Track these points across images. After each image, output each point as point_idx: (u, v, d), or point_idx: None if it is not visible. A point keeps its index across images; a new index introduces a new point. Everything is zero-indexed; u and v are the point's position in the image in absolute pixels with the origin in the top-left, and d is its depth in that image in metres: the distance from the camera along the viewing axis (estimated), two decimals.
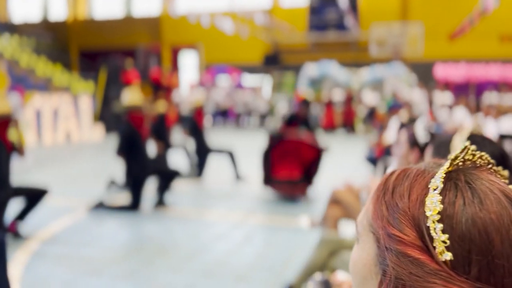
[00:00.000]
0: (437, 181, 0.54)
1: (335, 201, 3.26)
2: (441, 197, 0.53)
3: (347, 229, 3.17)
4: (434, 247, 0.51)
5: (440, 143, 1.27)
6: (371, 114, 15.50)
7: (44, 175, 7.47)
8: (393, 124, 6.36)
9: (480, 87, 17.39)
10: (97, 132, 14.44)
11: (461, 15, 18.32)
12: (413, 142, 2.21)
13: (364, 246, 0.61)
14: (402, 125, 3.04)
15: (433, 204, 0.53)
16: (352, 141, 13.71)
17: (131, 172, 4.95)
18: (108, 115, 14.89)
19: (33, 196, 4.03)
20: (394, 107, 6.61)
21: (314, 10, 21.07)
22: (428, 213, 0.53)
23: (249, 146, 11.50)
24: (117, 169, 7.95)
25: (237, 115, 17.66)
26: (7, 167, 3.84)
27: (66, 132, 13.53)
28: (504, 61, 18.10)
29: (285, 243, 4.07)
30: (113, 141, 13.52)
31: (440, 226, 0.51)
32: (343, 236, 2.44)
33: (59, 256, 3.73)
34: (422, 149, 2.19)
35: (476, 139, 1.16)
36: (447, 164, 0.56)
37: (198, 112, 7.00)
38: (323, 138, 6.06)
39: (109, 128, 14.90)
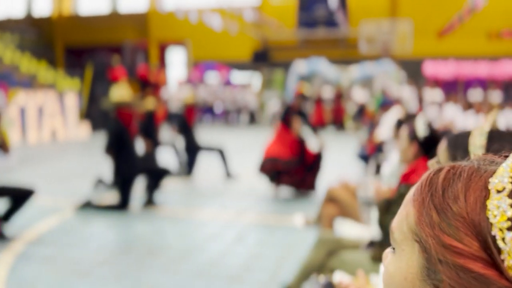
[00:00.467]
0: (504, 181, 0.45)
1: (330, 199, 3.19)
2: (510, 200, 0.43)
3: (343, 227, 3.09)
4: (503, 260, 0.42)
5: (456, 139, 1.18)
6: (361, 111, 15.52)
7: (30, 174, 7.28)
8: (385, 121, 6.31)
9: (468, 84, 17.54)
10: (83, 130, 14.21)
11: (450, 12, 18.42)
12: (413, 137, 2.16)
13: (404, 257, 0.51)
14: (400, 122, 2.97)
15: (499, 208, 0.44)
16: (342, 139, 13.70)
17: (120, 171, 4.81)
18: (94, 112, 14.66)
19: (19, 197, 3.87)
20: (385, 104, 6.56)
21: (303, 7, 21.01)
22: (492, 220, 0.44)
23: (239, 144, 11.41)
24: (104, 167, 7.79)
25: (226, 112, 17.54)
26: None
27: (52, 130, 13.29)
28: (491, 58, 18.27)
29: (279, 242, 3.99)
30: (100, 139, 13.32)
31: (510, 235, 0.42)
32: (341, 236, 2.36)
33: (45, 258, 3.59)
34: (422, 144, 2.13)
35: (498, 133, 1.08)
36: None
37: (188, 109, 6.87)
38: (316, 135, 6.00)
39: (95, 126, 14.68)
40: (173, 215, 4.88)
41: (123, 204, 4.87)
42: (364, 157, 6.65)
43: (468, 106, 7.21)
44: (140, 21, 24.29)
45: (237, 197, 5.74)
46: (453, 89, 16.74)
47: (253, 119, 17.64)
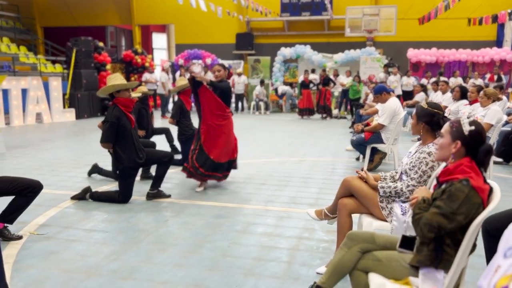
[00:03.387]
0: None
1: (347, 189, 3.15)
2: None
3: (363, 221, 3.07)
4: None
5: None
6: (345, 96, 15.56)
7: (19, 162, 7.06)
8: (386, 109, 6.30)
9: (449, 68, 17.78)
10: (68, 114, 13.87)
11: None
12: (457, 136, 2.08)
13: None
14: (432, 115, 2.89)
15: None
16: (329, 123, 13.71)
17: (121, 162, 4.66)
18: (79, 97, 14.28)
19: (28, 193, 3.68)
20: (380, 90, 6.52)
21: None
22: None
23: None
24: (95, 155, 7.62)
25: None
26: None
27: (37, 115, 12.96)
28: (471, 43, 18.52)
29: (289, 233, 3.95)
30: (85, 124, 12.98)
31: None
32: (373, 233, 2.32)
33: (50, 253, 3.47)
34: (466, 143, 2.05)
35: None
36: None
37: (186, 93, 6.72)
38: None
39: (80, 111, 14.34)
40: (175, 206, 4.79)
41: (125, 198, 4.74)
42: (359, 144, 6.65)
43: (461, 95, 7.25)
44: (123, 4, 23.62)
45: (238, 185, 5.68)
46: (434, 72, 16.94)
47: (239, 104, 17.49)
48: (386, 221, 2.98)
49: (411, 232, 2.65)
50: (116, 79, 4.57)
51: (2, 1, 21.87)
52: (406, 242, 2.21)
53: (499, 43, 19.53)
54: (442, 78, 12.93)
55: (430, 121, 2.90)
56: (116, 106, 4.60)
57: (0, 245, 2.44)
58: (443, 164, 2.84)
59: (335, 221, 3.47)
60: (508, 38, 19.20)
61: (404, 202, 2.92)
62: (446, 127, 2.16)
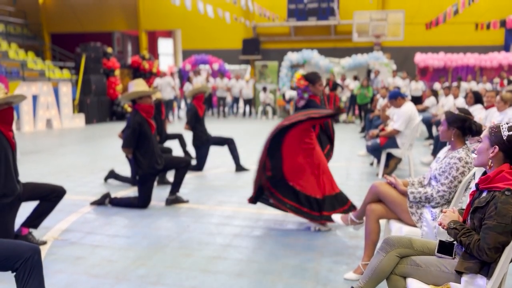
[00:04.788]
0: None
1: (375, 194, 3.15)
2: None
3: (392, 225, 3.07)
4: None
5: None
6: (353, 101, 15.55)
7: (34, 167, 7.09)
8: (401, 114, 6.30)
9: (457, 73, 17.79)
10: (78, 120, 13.93)
11: (440, 4, 18.53)
12: (496, 142, 2.07)
13: None
14: (459, 119, 2.90)
15: None
16: (338, 128, 13.70)
17: (141, 167, 4.68)
18: (88, 103, 14.36)
19: (52, 198, 3.70)
20: (394, 96, 6.53)
21: None
22: None
23: (238, 135, 11.31)
24: (109, 160, 7.64)
25: (220, 103, 17.34)
26: (14, 163, 3.51)
27: (47, 121, 13.03)
28: (479, 48, 18.51)
29: (312, 238, 3.95)
30: (95, 129, 13.03)
31: None
32: (411, 238, 2.32)
33: (77, 259, 3.49)
34: (505, 150, 2.03)
35: None
36: None
37: (199, 98, 6.74)
38: None
39: (89, 117, 14.40)
40: (194, 211, 4.80)
41: (144, 204, 4.75)
42: (375, 150, 6.65)
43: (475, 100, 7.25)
44: (130, 10, 23.76)
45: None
46: (443, 76, 16.95)
47: (248, 109, 17.53)
48: (416, 226, 2.98)
49: (442, 237, 2.65)
50: (138, 85, 4.60)
51: (10, 7, 22.03)
52: (444, 247, 2.21)
53: (507, 47, 19.50)
54: (462, 84, 12.88)
55: (462, 126, 2.91)
56: (137, 112, 4.63)
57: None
58: (473, 170, 2.85)
59: (360, 227, 3.48)
60: None
61: (434, 207, 2.92)
62: (485, 132, 2.16)
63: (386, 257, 2.24)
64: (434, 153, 7.52)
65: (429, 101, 11.28)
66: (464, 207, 2.25)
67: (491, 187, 2.02)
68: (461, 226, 2.09)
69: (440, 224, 2.19)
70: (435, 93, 11.46)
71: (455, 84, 11.22)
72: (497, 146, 2.07)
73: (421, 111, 11.03)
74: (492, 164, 2.09)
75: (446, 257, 2.17)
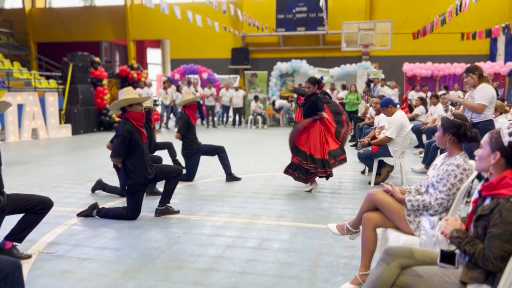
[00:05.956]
0: None
1: (372, 203, 3.08)
2: None
3: (390, 234, 2.99)
4: None
5: None
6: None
7: (19, 179, 6.91)
8: (393, 121, 6.27)
9: (444, 81, 17.97)
10: (64, 130, 13.72)
11: (427, 14, 18.77)
12: (497, 147, 2.02)
13: None
14: (454, 125, 2.84)
15: None
16: None
17: (131, 177, 4.55)
18: (75, 113, 14.16)
19: (38, 210, 3.56)
20: (386, 103, 6.51)
21: (283, 8, 20.92)
22: None
23: (229, 144, 11.22)
24: (95, 170, 7.49)
25: (209, 112, 17.24)
26: None
27: (32, 131, 12.80)
28: (465, 57, 18.75)
29: (305, 248, 3.86)
30: (82, 139, 12.83)
31: None
32: (412, 248, 2.25)
33: (64, 272, 3.35)
34: (507, 155, 1.99)
35: None
36: None
37: (192, 107, 6.65)
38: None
39: (76, 127, 14.20)
40: (185, 222, 4.68)
41: (133, 213, 4.62)
42: (366, 158, 6.61)
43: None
44: (118, 19, 23.66)
45: (246, 199, 5.58)
46: (431, 85, 17.12)
47: (238, 118, 17.46)
48: (414, 235, 2.91)
49: (441, 246, 2.58)
50: (128, 93, 4.49)
51: None
52: (446, 257, 2.14)
53: (492, 57, 19.79)
54: (440, 92, 13.02)
55: (457, 132, 2.86)
56: (128, 120, 4.51)
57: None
58: (473, 176, 2.80)
59: (357, 236, 3.40)
60: (501, 52, 19.47)
61: (432, 215, 2.86)
62: (485, 137, 2.11)
63: (387, 268, 2.16)
64: (425, 161, 7.51)
65: (419, 109, 11.33)
66: (463, 215, 2.20)
67: (494, 194, 1.96)
68: (464, 235, 2.03)
69: (442, 233, 2.12)
70: (424, 102, 11.52)
71: (440, 92, 11.28)
72: (498, 152, 2.02)
73: (410, 119, 11.07)
74: (493, 171, 2.04)
75: (449, 267, 2.10)
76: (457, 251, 2.11)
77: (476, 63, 5.79)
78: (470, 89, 5.22)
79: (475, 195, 2.11)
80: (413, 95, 14.36)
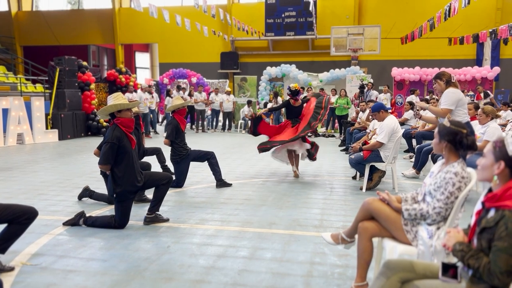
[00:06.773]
0: None
1: (368, 212, 3.01)
2: None
3: (386, 244, 2.92)
4: None
5: None
6: (332, 113, 15.56)
7: (5, 185, 6.72)
8: (385, 127, 6.23)
9: (431, 86, 18.05)
10: (51, 135, 13.48)
11: (415, 19, 18.91)
12: (501, 156, 1.96)
13: None
14: (455, 135, 2.77)
15: None
16: (318, 142, 13.64)
17: (120, 185, 4.42)
18: (62, 117, 13.92)
19: (22, 221, 3.41)
20: (378, 108, 6.47)
21: (272, 13, 20.93)
22: None
23: (221, 148, 11.10)
24: (84, 177, 7.32)
25: (199, 117, 17.11)
26: None
27: (18, 136, 12.55)
28: (453, 62, 18.91)
29: (298, 257, 3.77)
30: (69, 144, 12.61)
31: None
32: (412, 261, 2.17)
33: (47, 286, 3.21)
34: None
35: None
36: None
37: (181, 112, 6.53)
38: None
39: (63, 132, 13.96)
40: (175, 231, 4.57)
41: (122, 222, 4.49)
42: (358, 163, 6.55)
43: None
44: (106, 23, 23.44)
45: (237, 206, 5.48)
46: (419, 89, 17.17)
47: (227, 122, 17.34)
48: (411, 245, 2.84)
49: (439, 257, 2.50)
50: (118, 99, 4.37)
51: None
52: (448, 270, 2.07)
53: (478, 61, 19.99)
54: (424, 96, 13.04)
55: (452, 140, 2.79)
56: (117, 126, 4.39)
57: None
58: (471, 184, 2.73)
59: (351, 246, 3.32)
60: (487, 57, 19.67)
61: (430, 224, 2.79)
62: (488, 146, 2.04)
63: (387, 283, 2.08)
64: (416, 165, 7.49)
65: (408, 113, 11.34)
66: (461, 224, 2.12)
67: (499, 206, 1.89)
68: (468, 248, 1.95)
69: (444, 246, 2.04)
70: (413, 106, 11.54)
71: (427, 97, 11.32)
72: (502, 162, 1.95)
73: (400, 123, 11.08)
74: (497, 181, 1.97)
75: (451, 281, 2.02)
76: (459, 264, 2.04)
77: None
78: (439, 94, 5.33)
79: (478, 206, 2.05)
80: (413, 99, 14.34)
